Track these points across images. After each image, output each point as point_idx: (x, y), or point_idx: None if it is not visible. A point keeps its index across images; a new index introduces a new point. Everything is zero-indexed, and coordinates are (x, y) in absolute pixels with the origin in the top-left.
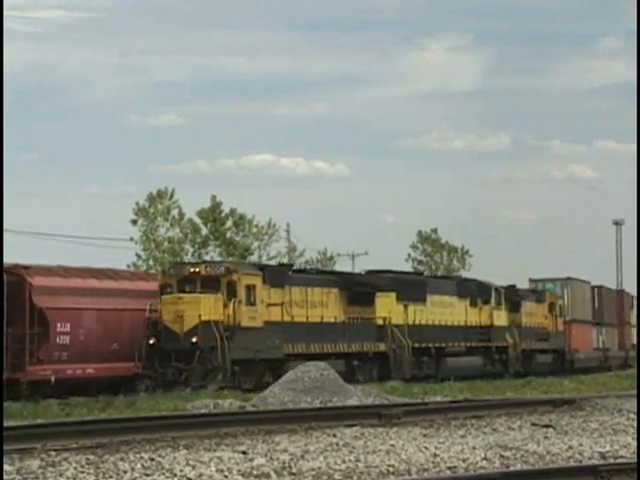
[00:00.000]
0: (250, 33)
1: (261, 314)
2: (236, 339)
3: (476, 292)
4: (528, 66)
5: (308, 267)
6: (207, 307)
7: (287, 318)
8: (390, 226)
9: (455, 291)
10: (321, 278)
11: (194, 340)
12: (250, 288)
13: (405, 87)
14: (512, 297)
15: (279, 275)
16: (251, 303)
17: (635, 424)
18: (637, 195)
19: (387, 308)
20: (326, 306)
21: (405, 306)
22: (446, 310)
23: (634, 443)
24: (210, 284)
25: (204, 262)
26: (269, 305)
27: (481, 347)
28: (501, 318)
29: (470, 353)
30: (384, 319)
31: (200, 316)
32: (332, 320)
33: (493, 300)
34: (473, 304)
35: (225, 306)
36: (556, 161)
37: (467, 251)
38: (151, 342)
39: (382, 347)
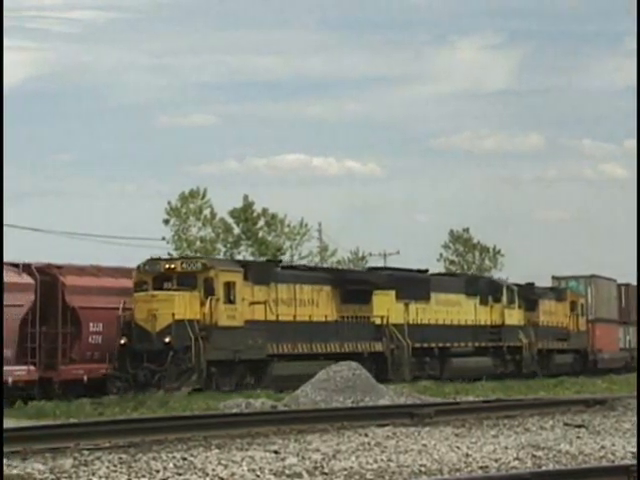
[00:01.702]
0: (282, 33)
1: (242, 313)
2: (213, 339)
3: (486, 290)
4: (560, 65)
5: (299, 264)
6: (182, 305)
7: (271, 317)
8: (422, 226)
9: (463, 289)
10: (312, 275)
11: (167, 340)
12: (229, 285)
13: (437, 86)
14: (528, 295)
15: (264, 272)
16: (230, 301)
17: None
18: (637, 195)
19: (385, 306)
20: (317, 304)
21: (406, 304)
22: (453, 309)
23: None
24: (186, 281)
25: (180, 258)
26: (252, 303)
27: (491, 347)
28: (514, 317)
29: (479, 353)
30: (382, 318)
31: (174, 315)
32: (323, 319)
33: (505, 298)
34: (483, 302)
35: (202, 304)
36: (588, 160)
37: (499, 250)
38: (122, 342)
39: (379, 347)
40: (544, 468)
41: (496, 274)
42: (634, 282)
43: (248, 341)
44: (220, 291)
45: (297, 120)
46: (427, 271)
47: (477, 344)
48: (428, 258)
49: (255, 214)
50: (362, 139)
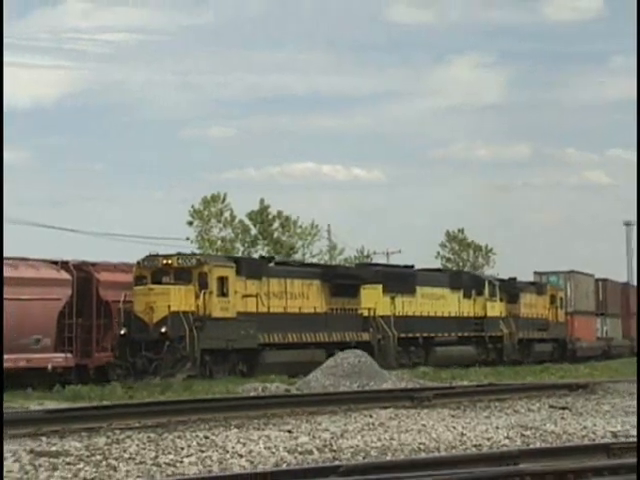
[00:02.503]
0: (299, 54)
1: (234, 305)
2: (207, 329)
3: (470, 284)
4: (546, 82)
5: (290, 260)
6: (177, 298)
7: (263, 309)
8: (421, 227)
9: (447, 283)
10: (303, 270)
11: (163, 330)
12: (222, 279)
13: (435, 101)
14: (510, 289)
15: (256, 267)
16: (223, 294)
17: None
18: (637, 196)
19: (373, 300)
20: (307, 297)
21: (392, 298)
22: (437, 302)
23: None
24: (182, 276)
25: (177, 254)
26: (244, 296)
27: (473, 337)
28: (495, 309)
29: (462, 343)
30: (369, 310)
31: (169, 307)
32: (312, 311)
33: (487, 292)
34: (467, 296)
35: (196, 297)
36: (571, 168)
37: (491, 249)
38: (122, 332)
39: (366, 337)
40: (531, 446)
41: (488, 270)
42: (611, 277)
43: (240, 331)
44: (213, 285)
45: (308, 132)
46: (413, 267)
47: (460, 334)
48: (427, 256)
49: (270, 216)
50: (367, 149)
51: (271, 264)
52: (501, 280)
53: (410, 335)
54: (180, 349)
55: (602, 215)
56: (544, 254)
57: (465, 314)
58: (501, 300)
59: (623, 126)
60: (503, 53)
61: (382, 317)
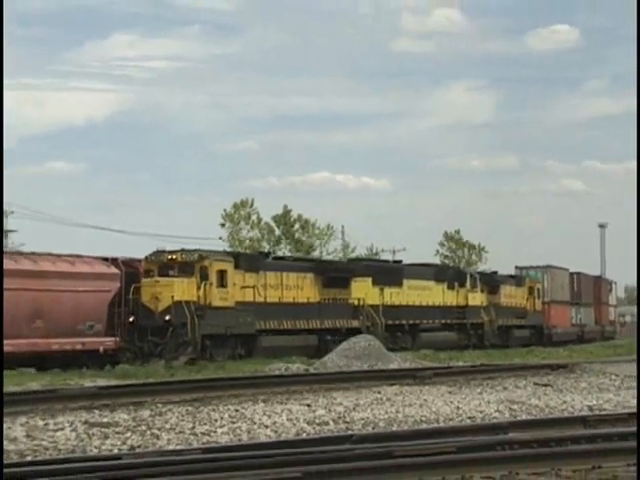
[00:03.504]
0: (315, 78)
1: (233, 295)
2: (207, 317)
3: (453, 277)
4: (530, 103)
5: (287, 255)
6: (180, 289)
7: (260, 299)
8: (422, 228)
9: (433, 276)
10: (298, 264)
11: (167, 318)
12: (222, 272)
13: (434, 120)
14: (490, 282)
15: (254, 261)
16: (222, 285)
17: (616, 383)
18: (637, 196)
19: (363, 291)
20: (301, 288)
21: (381, 289)
22: (423, 292)
23: (616, 399)
24: (185, 269)
25: (180, 250)
26: (243, 287)
27: (456, 324)
28: (477, 299)
29: (445, 329)
30: (359, 300)
31: (173, 297)
32: (305, 300)
33: (468, 284)
34: (450, 287)
35: (198, 288)
36: (552, 177)
37: (483, 247)
38: (131, 320)
39: (355, 324)
40: (519, 418)
41: (481, 266)
42: (586, 272)
43: (238, 319)
44: (213, 277)
45: (324, 146)
46: (401, 262)
47: (444, 321)
48: (427, 253)
49: (292, 219)
50: (375, 161)
51: (268, 259)
52: (482, 273)
53: (397, 322)
54: (182, 334)
55: (579, 218)
56: (529, 251)
57: (448, 304)
58: (482, 291)
59: (596, 141)
60: (493, 78)
61: (371, 306)
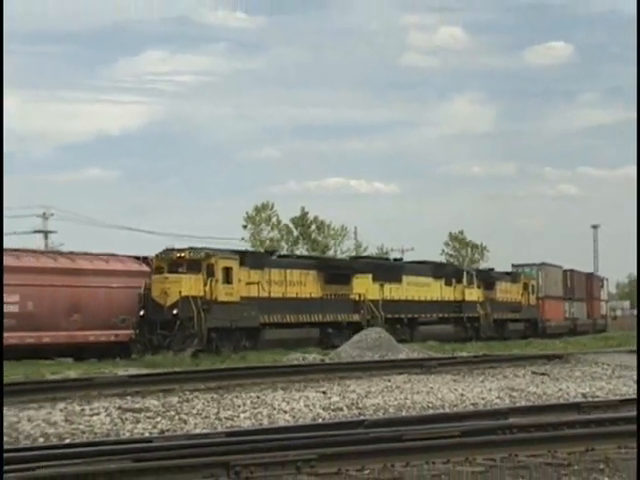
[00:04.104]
0: (331, 91)
1: (238, 291)
2: (213, 311)
3: (451, 274)
4: (528, 114)
5: (291, 254)
6: (187, 285)
7: (264, 294)
8: (429, 229)
9: (431, 273)
10: (301, 262)
11: (175, 312)
12: (227, 270)
13: (439, 129)
14: (487, 278)
15: (258, 259)
16: (228, 282)
17: (608, 372)
18: (637, 197)
19: (364, 287)
20: (304, 284)
21: (381, 285)
22: (421, 288)
23: (607, 387)
24: (193, 266)
25: (188, 248)
26: (248, 283)
27: (453, 317)
28: (473, 294)
29: (442, 322)
30: (360, 295)
31: (181, 292)
32: (308, 296)
33: (465, 280)
34: (448, 284)
35: (204, 284)
36: (548, 183)
37: (485, 247)
38: (141, 314)
39: (356, 318)
40: (518, 404)
41: (482, 264)
42: (578, 269)
43: (243, 313)
44: (219, 274)
45: (338, 153)
46: (401, 259)
47: (441, 315)
48: (433, 253)
49: (309, 221)
50: (385, 167)
51: (273, 257)
52: (479, 271)
53: (396, 316)
54: (189, 327)
55: (573, 220)
56: (527, 251)
57: (446, 299)
58: (478, 287)
59: (590, 149)
60: (493, 91)
61: (371, 301)
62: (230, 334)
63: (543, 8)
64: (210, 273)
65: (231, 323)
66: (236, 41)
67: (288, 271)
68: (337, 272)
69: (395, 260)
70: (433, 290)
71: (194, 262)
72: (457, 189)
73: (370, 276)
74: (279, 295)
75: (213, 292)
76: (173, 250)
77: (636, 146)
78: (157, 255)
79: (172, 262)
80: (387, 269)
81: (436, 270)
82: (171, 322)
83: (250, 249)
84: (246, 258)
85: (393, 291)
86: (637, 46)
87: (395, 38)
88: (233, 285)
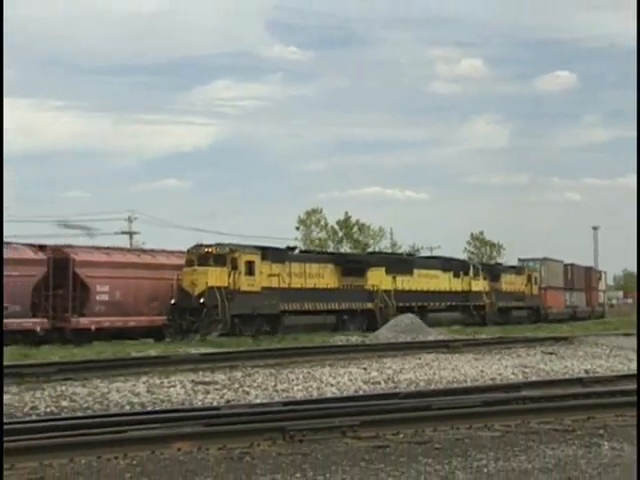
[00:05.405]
0: (369, 113)
1: (259, 282)
2: (236, 299)
3: (458, 267)
4: (538, 133)
5: (311, 249)
6: (214, 277)
7: (284, 285)
8: (454, 230)
9: (440, 267)
10: (320, 257)
11: (202, 300)
12: (250, 263)
13: (462, 146)
14: (493, 271)
15: (279, 254)
16: (250, 274)
17: (607, 352)
18: (637, 197)
19: (378, 279)
20: (322, 277)
21: (393, 277)
22: (431, 280)
23: (606, 364)
24: (219, 260)
25: (216, 244)
26: (269, 275)
27: (460, 306)
28: (479, 285)
29: (450, 310)
30: (374, 286)
31: (207, 283)
32: (325, 286)
33: (471, 273)
34: (456, 276)
35: (229, 276)
36: (556, 191)
37: (502, 245)
38: (172, 302)
39: (370, 306)
40: (530, 379)
41: (499, 260)
42: (578, 263)
43: (264, 301)
44: (242, 267)
45: (376, 166)
46: (413, 255)
47: (449, 304)
48: (457, 251)
49: (352, 223)
50: (416, 178)
51: (294, 252)
52: (485, 264)
53: (407, 304)
54: (214, 314)
55: (577, 223)
56: (538, 249)
57: (453, 289)
58: (484, 279)
59: (592, 162)
60: (508, 113)
61: (385, 291)
62: (252, 320)
63: (551, 43)
64: (234, 266)
65: (253, 310)
66: (290, 71)
67: (307, 264)
68: (353, 265)
69: (408, 255)
70: (442, 281)
71: (220, 256)
72: (478, 196)
73: (384, 269)
74: (298, 286)
75: (236, 283)
76: (202, 246)
77: (636, 150)
78: (188, 250)
79: (201, 256)
80: (399, 263)
81: (445, 264)
82: (198, 309)
83: (272, 246)
84: (268, 253)
85: (405, 282)
86: (637, 46)
87: (424, 69)
88: (255, 277)
